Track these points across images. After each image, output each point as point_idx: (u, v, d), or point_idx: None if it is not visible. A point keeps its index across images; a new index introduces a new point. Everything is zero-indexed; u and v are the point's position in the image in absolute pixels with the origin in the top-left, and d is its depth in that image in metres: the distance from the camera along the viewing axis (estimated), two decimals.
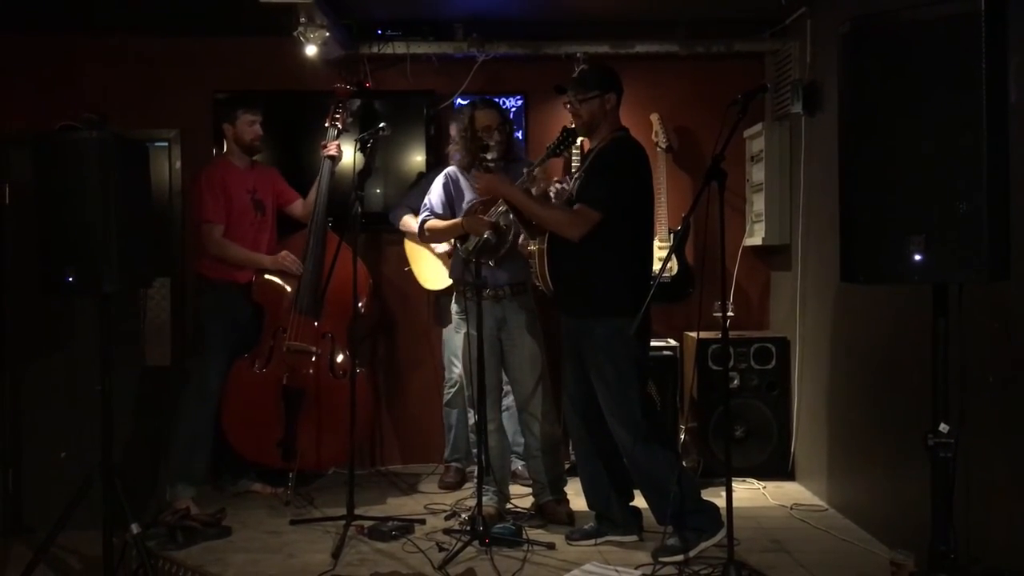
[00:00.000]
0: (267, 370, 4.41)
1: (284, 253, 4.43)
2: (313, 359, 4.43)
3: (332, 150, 4.51)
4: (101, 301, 3.25)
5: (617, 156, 3.63)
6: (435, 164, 4.87)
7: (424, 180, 4.88)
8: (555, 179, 3.96)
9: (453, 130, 4.61)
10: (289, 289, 4.47)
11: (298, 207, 4.61)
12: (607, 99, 3.66)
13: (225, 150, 4.49)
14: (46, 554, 3.30)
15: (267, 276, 4.45)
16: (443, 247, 4.56)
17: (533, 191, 3.76)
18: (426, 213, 4.15)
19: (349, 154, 4.73)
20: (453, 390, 4.74)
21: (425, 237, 4.21)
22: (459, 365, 4.67)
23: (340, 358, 4.49)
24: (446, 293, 4.69)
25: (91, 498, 3.21)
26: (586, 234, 3.51)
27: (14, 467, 4.06)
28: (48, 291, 3.19)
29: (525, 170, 3.83)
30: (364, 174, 4.16)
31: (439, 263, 4.69)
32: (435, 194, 4.15)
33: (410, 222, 4.70)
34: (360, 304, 4.27)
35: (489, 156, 3.83)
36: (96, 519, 3.18)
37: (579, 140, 4.31)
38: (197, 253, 4.45)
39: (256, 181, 4.47)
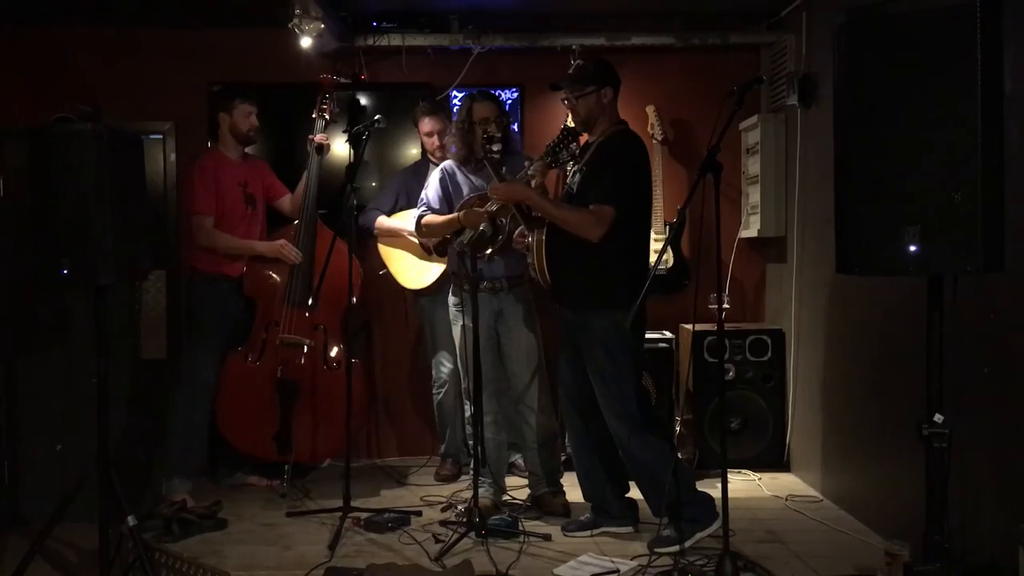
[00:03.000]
0: (260, 363, 4.40)
1: (283, 241, 4.41)
2: (306, 351, 4.43)
3: (319, 139, 4.49)
4: (96, 294, 3.24)
5: (619, 150, 3.63)
6: (423, 157, 4.86)
7: (390, 182, 4.88)
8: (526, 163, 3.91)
9: (427, 126, 4.62)
10: (280, 281, 4.46)
11: (286, 202, 4.59)
12: (604, 93, 3.65)
13: (219, 141, 4.46)
14: (42, 546, 3.30)
15: (258, 267, 4.43)
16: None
17: (532, 185, 3.77)
18: (423, 208, 4.15)
19: (337, 146, 4.72)
20: (443, 391, 4.73)
21: (422, 232, 4.21)
22: (447, 365, 4.66)
23: (333, 350, 4.48)
24: (425, 293, 4.68)
25: (87, 490, 3.21)
26: (607, 232, 3.50)
27: (10, 460, 4.05)
28: (43, 284, 3.18)
29: (526, 163, 3.82)
30: (358, 167, 4.15)
31: (416, 261, 4.67)
32: (432, 189, 4.15)
33: (385, 222, 4.69)
34: (353, 296, 4.27)
35: (495, 148, 3.81)
36: (92, 511, 3.18)
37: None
38: (188, 246, 4.43)
39: (248, 174, 4.46)
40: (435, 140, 4.58)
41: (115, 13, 4.84)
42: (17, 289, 4.04)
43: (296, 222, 4.48)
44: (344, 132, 4.67)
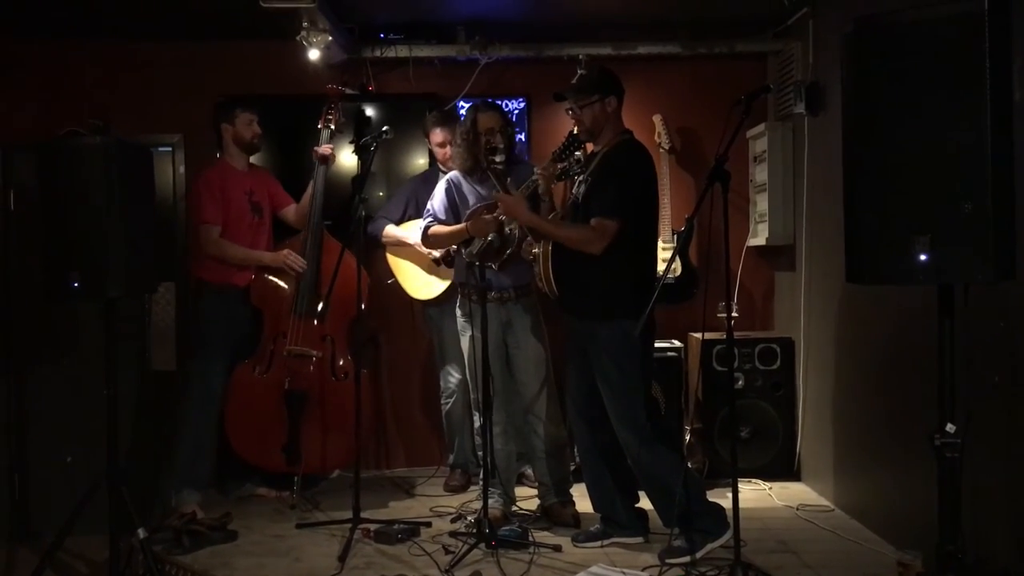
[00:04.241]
0: (268, 375, 4.41)
1: (287, 251, 4.42)
2: (314, 362, 4.43)
3: (324, 151, 4.50)
4: (106, 306, 3.25)
5: (624, 160, 3.63)
6: (431, 167, 4.87)
7: (400, 190, 4.89)
8: (535, 169, 3.91)
9: (438, 136, 4.63)
10: (288, 292, 4.47)
11: (291, 212, 4.60)
12: (608, 102, 3.65)
13: (223, 152, 4.46)
14: (53, 559, 3.31)
15: (265, 278, 4.44)
16: (433, 253, 4.55)
17: (539, 191, 3.78)
18: (429, 219, 4.15)
19: (344, 156, 4.73)
20: (451, 400, 4.72)
21: (429, 243, 4.21)
22: (456, 375, 4.66)
23: (341, 361, 4.48)
24: (433, 304, 4.68)
25: (97, 503, 3.21)
26: (608, 246, 3.51)
27: (21, 472, 4.06)
28: (53, 296, 3.20)
29: (536, 169, 3.82)
30: (365, 178, 4.16)
31: (424, 271, 4.67)
32: (438, 200, 4.15)
33: (393, 231, 4.70)
34: (362, 306, 4.27)
35: (497, 159, 3.82)
36: (102, 524, 3.19)
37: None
38: (196, 256, 4.45)
39: (254, 183, 4.46)
40: (447, 150, 4.59)
41: (123, 27, 4.86)
42: (27, 302, 4.06)
43: (303, 232, 4.49)
44: (351, 143, 4.67)
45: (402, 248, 4.70)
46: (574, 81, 3.78)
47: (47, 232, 3.17)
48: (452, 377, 4.69)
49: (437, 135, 4.65)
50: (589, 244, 3.54)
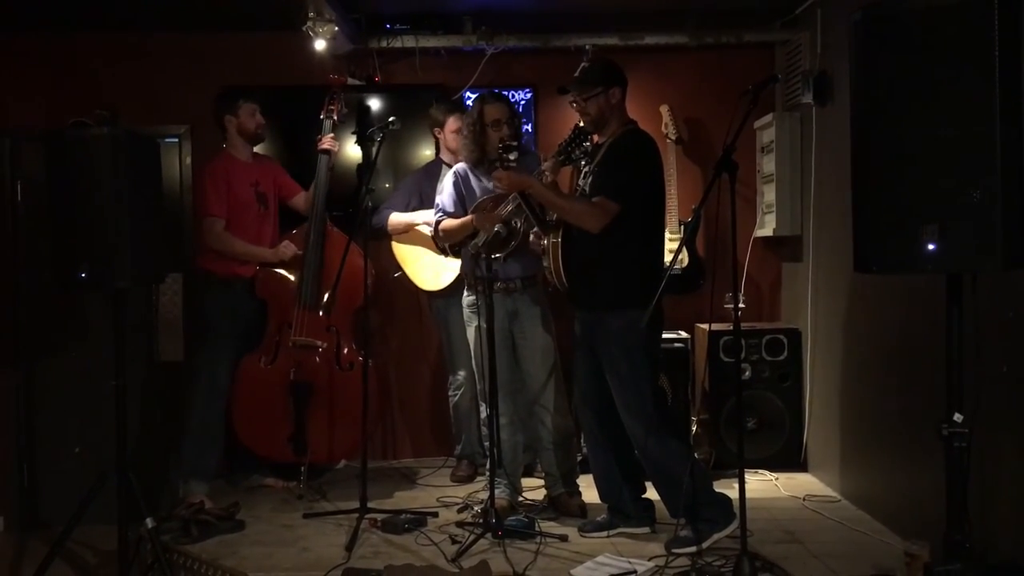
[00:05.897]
0: (274, 366, 4.42)
1: (285, 243, 4.42)
2: (319, 352, 4.44)
3: (327, 143, 4.49)
4: (114, 297, 3.26)
5: (631, 148, 3.63)
6: (435, 159, 4.86)
7: (403, 183, 4.88)
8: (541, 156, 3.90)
9: (454, 124, 4.62)
10: (292, 283, 4.46)
11: (300, 200, 4.59)
12: (612, 93, 3.65)
13: (227, 143, 4.46)
14: (62, 549, 3.32)
15: (271, 270, 4.44)
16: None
17: (544, 182, 3.77)
18: (439, 214, 4.15)
19: (350, 147, 4.72)
20: (459, 392, 4.73)
21: (440, 238, 4.21)
22: (463, 367, 4.66)
23: (346, 351, 4.49)
24: (439, 295, 4.68)
25: (106, 493, 3.23)
26: (606, 225, 3.51)
27: (29, 463, 4.08)
28: (61, 287, 3.20)
29: (538, 170, 3.81)
30: (372, 169, 4.16)
31: (432, 262, 4.66)
32: (447, 194, 4.15)
33: (400, 217, 4.69)
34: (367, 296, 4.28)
35: (511, 157, 3.80)
36: (111, 514, 3.20)
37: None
38: (201, 248, 4.46)
39: (259, 174, 4.47)
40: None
41: (130, 19, 4.86)
42: (35, 293, 4.07)
43: (305, 224, 4.49)
44: (353, 133, 4.66)
45: (409, 236, 4.70)
46: (577, 74, 3.78)
47: (55, 223, 3.17)
48: (460, 369, 4.69)
49: (452, 123, 4.63)
50: (587, 219, 3.54)
